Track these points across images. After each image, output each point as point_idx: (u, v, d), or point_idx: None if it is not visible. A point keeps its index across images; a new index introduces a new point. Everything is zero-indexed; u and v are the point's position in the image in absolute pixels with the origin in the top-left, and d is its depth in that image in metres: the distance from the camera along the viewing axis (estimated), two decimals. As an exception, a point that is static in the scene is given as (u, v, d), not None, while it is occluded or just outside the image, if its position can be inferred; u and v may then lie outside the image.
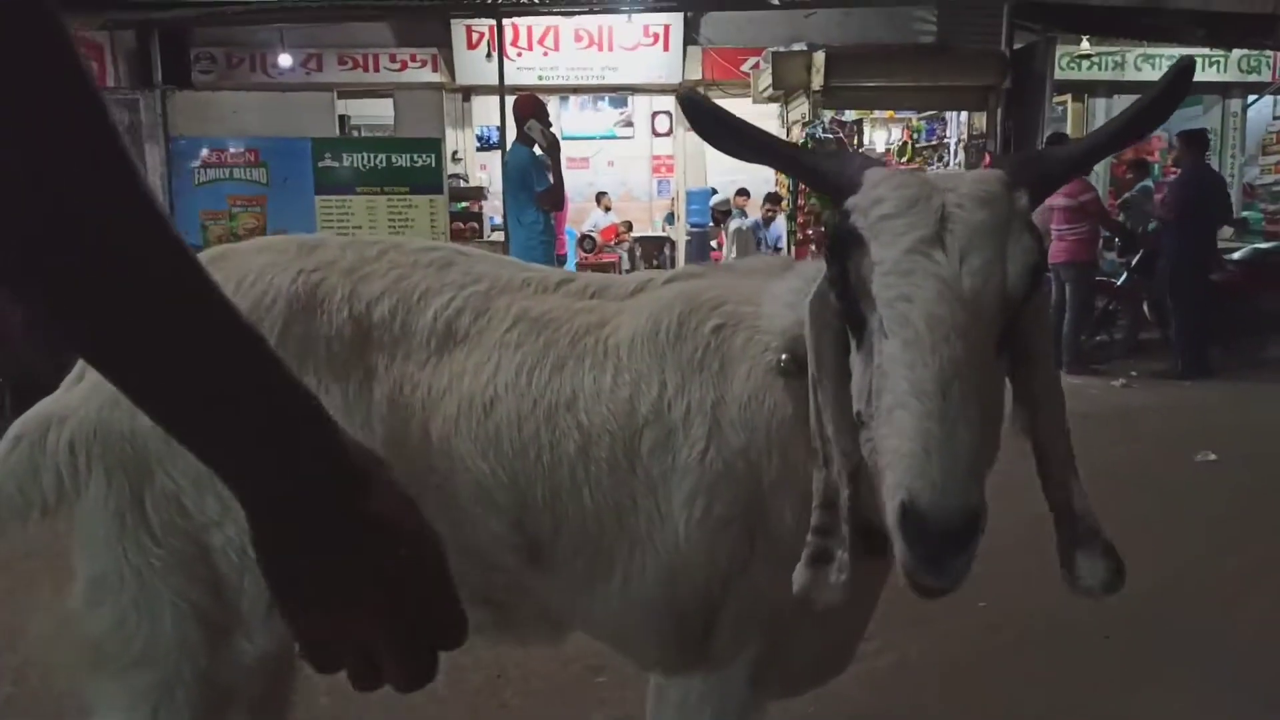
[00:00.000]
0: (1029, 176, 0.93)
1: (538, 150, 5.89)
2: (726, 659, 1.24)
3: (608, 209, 11.91)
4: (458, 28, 11.45)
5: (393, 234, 8.04)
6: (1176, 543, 3.60)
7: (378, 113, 12.05)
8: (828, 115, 9.43)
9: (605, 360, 1.22)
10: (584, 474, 1.19)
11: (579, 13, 10.81)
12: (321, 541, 0.57)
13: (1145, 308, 7.95)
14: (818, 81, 9.15)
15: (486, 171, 11.78)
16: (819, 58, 9.19)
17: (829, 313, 1.01)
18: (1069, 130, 8.92)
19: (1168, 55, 11.54)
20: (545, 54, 11.85)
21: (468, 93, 12.17)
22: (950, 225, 0.85)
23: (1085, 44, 11.21)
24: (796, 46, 10.01)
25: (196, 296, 0.55)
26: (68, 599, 1.18)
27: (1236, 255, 8.10)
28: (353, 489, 0.58)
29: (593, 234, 11.45)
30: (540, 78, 11.75)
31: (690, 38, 12.08)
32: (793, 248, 9.13)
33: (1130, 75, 11.55)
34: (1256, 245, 8.51)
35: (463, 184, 11.03)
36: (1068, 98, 11.67)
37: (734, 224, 10.50)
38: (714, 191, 11.70)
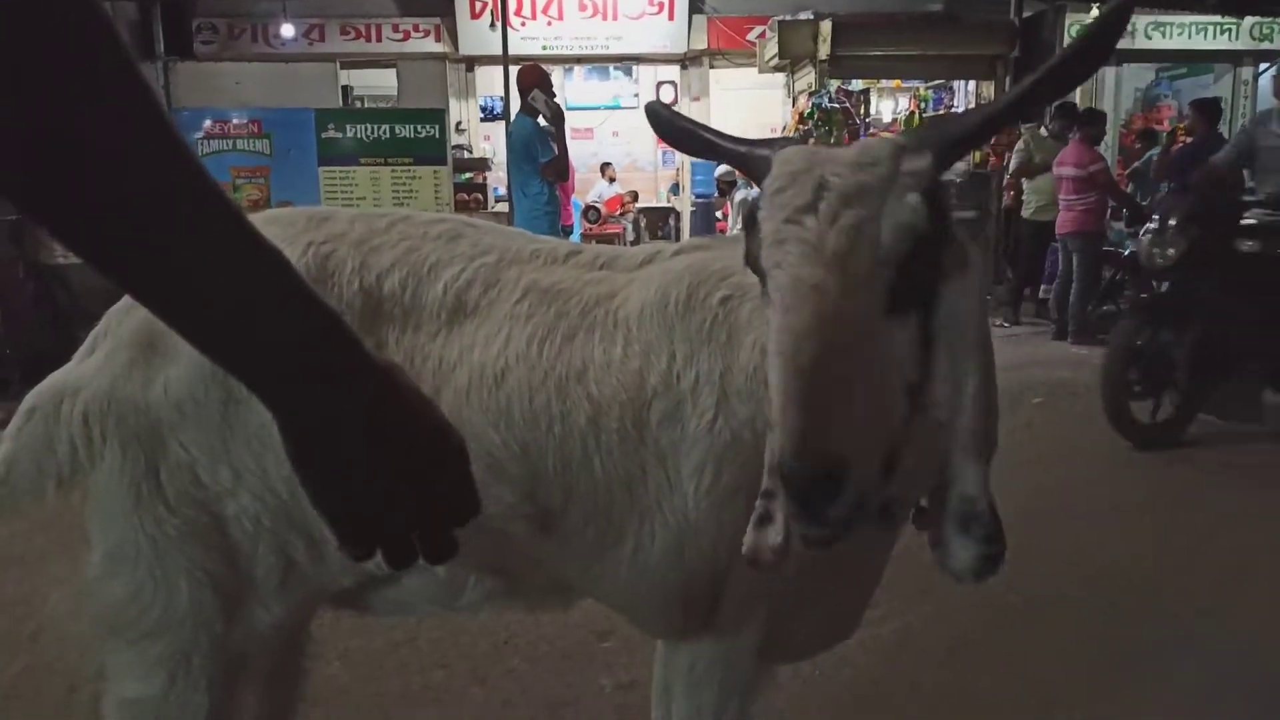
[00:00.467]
0: (931, 140, 0.92)
1: (542, 121, 5.85)
2: (734, 626, 1.26)
3: (612, 180, 11.86)
4: (461, -3, 11.38)
5: (397, 206, 8.02)
6: (1186, 516, 3.62)
7: (381, 83, 11.98)
8: (834, 85, 9.34)
9: (615, 332, 1.22)
10: (594, 444, 1.19)
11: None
12: (357, 437, 0.62)
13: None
14: (824, 50, 9.06)
15: (490, 142, 11.72)
16: (825, 26, 9.08)
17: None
18: (1077, 100, 8.82)
19: (1178, 23, 11.40)
20: (549, 23, 11.75)
21: (471, 63, 12.09)
22: (824, 192, 0.87)
23: (1095, 12, 11.07)
24: (803, 15, 9.92)
25: (224, 209, 0.58)
26: (84, 569, 1.20)
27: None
28: (381, 387, 0.63)
29: (597, 205, 11.41)
30: (544, 47, 11.66)
31: (696, 6, 11.97)
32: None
33: (1140, 44, 11.40)
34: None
35: (466, 155, 10.97)
36: (1077, 66, 11.53)
37: (739, 195, 10.43)
38: (719, 162, 11.63)
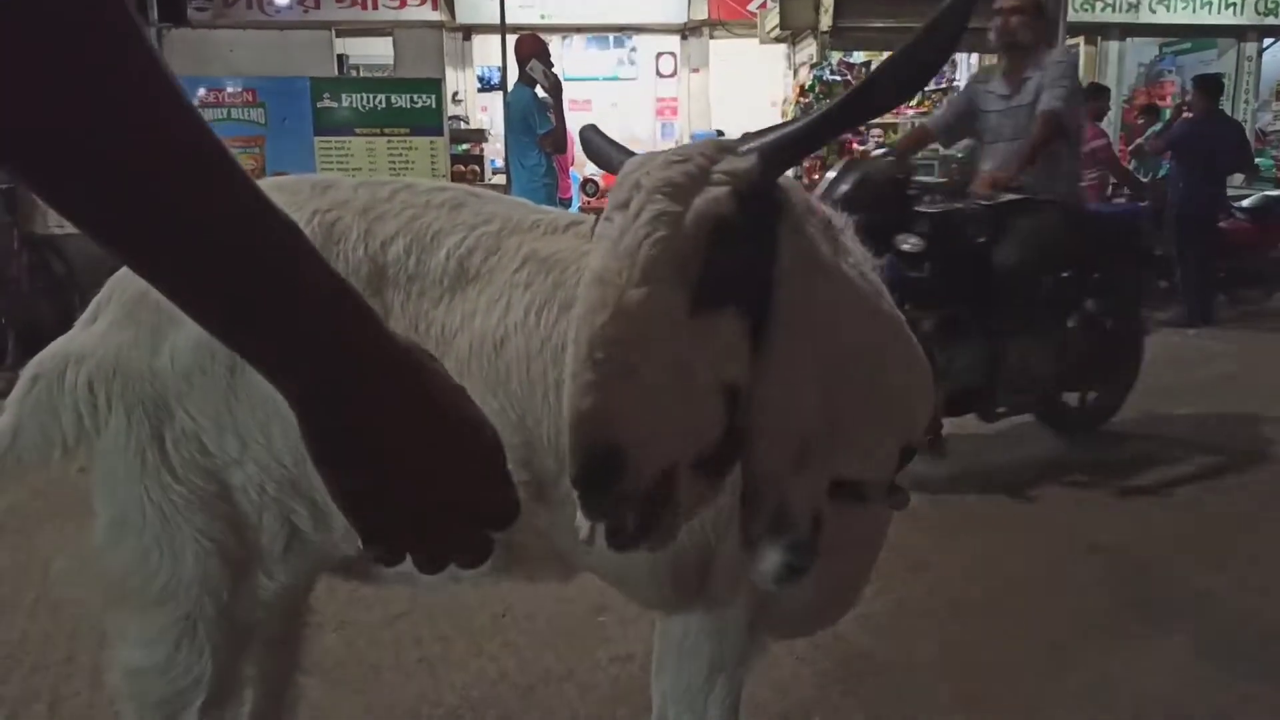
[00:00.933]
0: (760, 144, 0.90)
1: (540, 91, 5.80)
2: (724, 599, 1.27)
3: (611, 152, 11.76)
4: (458, -37, 11.23)
5: (393, 176, 7.94)
6: (1183, 493, 3.64)
7: (376, 52, 11.83)
8: (836, 56, 9.27)
9: None
10: None
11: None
12: (378, 427, 0.56)
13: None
14: (826, 22, 8.99)
15: (487, 113, 11.61)
16: (827, -3, 9.02)
17: None
18: (1081, 73, 8.76)
19: (1183, -4, 11.30)
20: (547, -9, 11.61)
21: (468, 32, 11.95)
22: (635, 190, 0.87)
23: (1099, -14, 10.97)
24: (805, -15, 9.81)
25: (235, 175, 0.54)
26: (90, 537, 1.20)
27: (1246, 203, 8.03)
28: (404, 374, 0.57)
29: (595, 178, 11.35)
30: (542, 16, 11.52)
31: (696, -25, 11.84)
32: (798, 192, 9.02)
33: (1145, 17, 11.31)
34: (1266, 193, 8.42)
35: (463, 126, 10.87)
36: (1080, 40, 11.45)
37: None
38: (719, 134, 11.57)
